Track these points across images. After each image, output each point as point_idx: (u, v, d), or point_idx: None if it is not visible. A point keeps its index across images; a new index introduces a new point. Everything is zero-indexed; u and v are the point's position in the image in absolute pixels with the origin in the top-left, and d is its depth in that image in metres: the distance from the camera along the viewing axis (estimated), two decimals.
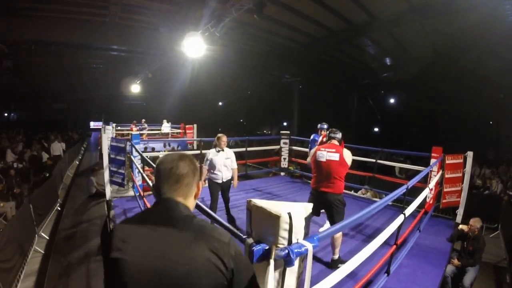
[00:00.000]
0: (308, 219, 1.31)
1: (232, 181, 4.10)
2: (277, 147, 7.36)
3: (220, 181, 3.94)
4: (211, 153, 3.96)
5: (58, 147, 11.77)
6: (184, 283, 0.82)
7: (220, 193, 4.01)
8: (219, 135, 4.03)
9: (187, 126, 12.65)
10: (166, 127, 14.06)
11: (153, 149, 10.92)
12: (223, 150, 3.97)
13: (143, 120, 14.69)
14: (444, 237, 3.83)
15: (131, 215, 1.04)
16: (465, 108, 12.77)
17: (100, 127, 14.94)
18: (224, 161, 3.94)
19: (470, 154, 4.25)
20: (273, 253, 1.19)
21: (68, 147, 13.04)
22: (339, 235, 2.87)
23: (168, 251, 0.84)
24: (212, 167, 3.93)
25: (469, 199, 4.44)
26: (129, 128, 13.85)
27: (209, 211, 1.81)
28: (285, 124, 21.46)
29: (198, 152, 6.47)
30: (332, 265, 2.89)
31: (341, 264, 2.76)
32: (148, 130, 14.29)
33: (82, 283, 3.91)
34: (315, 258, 3.05)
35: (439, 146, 4.50)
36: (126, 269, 0.82)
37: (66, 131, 19.30)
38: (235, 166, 4.09)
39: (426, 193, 3.35)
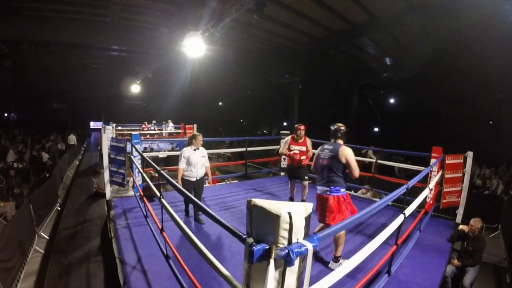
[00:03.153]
0: (308, 219, 1.31)
1: (206, 179, 4.27)
2: (277, 147, 7.35)
3: (194, 179, 4.02)
4: (187, 151, 3.99)
5: (73, 138, 14.84)
6: None
7: (193, 191, 4.01)
8: (196, 133, 4.15)
9: (187, 126, 12.66)
10: (171, 127, 14.15)
11: (152, 149, 10.93)
12: (198, 149, 4.05)
13: (154, 121, 14.89)
14: (444, 237, 3.83)
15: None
16: (465, 108, 12.76)
17: (100, 127, 15.03)
18: (200, 159, 4.03)
19: (470, 154, 4.24)
20: (273, 253, 1.18)
21: (68, 147, 13.52)
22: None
23: None
24: (188, 164, 3.98)
25: (469, 199, 4.42)
26: (141, 128, 14.23)
27: (210, 211, 1.80)
28: (285, 124, 21.44)
29: None
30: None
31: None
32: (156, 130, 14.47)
33: (82, 283, 3.90)
34: (315, 258, 3.05)
35: (439, 146, 4.49)
36: None
37: (66, 131, 19.34)
38: (208, 164, 4.24)
39: (426, 193, 3.34)
